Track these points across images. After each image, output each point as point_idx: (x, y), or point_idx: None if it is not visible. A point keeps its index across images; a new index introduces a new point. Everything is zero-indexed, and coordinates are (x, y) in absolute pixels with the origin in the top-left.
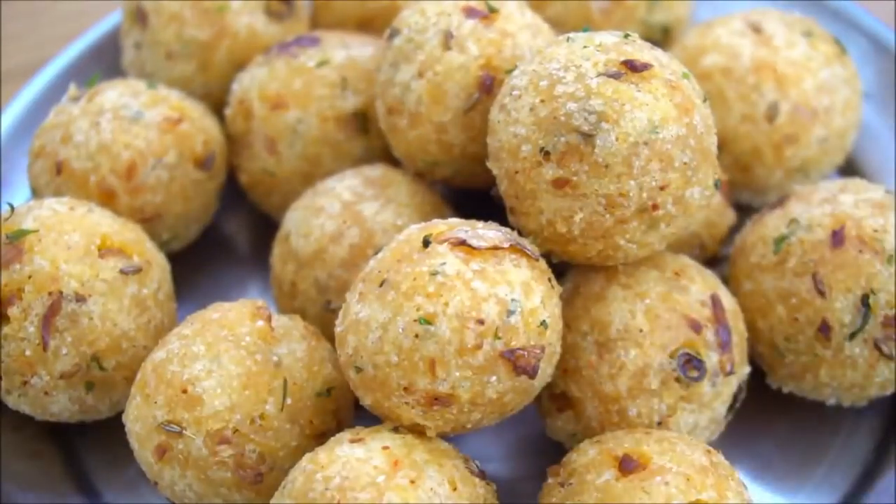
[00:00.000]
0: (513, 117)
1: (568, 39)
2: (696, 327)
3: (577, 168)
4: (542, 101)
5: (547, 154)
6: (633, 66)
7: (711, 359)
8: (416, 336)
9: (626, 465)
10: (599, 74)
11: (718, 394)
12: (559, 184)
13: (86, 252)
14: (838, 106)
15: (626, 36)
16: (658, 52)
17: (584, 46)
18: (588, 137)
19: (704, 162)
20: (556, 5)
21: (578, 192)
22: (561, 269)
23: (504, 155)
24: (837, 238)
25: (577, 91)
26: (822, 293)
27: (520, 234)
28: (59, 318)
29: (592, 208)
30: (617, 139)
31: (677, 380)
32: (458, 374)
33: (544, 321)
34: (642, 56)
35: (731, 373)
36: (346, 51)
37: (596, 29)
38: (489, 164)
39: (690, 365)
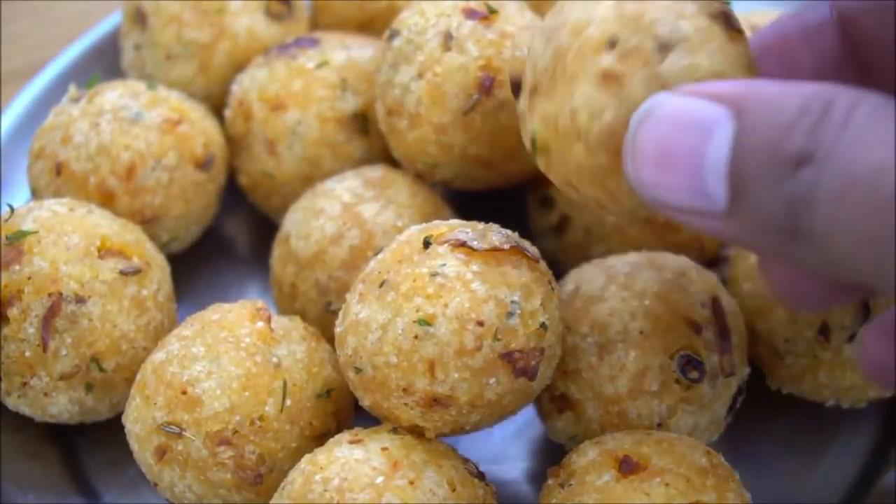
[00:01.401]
0: (589, 4)
1: None
2: (696, 329)
3: (635, 71)
4: (633, 1)
5: (613, 45)
6: (728, 21)
7: (711, 360)
8: (416, 337)
9: (626, 467)
10: (699, 7)
11: (718, 395)
12: (608, 77)
13: (85, 253)
14: None
15: None
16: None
17: None
18: (663, 48)
19: None
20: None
21: (624, 94)
22: (561, 270)
23: (564, 31)
24: None
25: (674, 7)
26: None
27: (528, 125)
28: (58, 320)
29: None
30: (686, 66)
31: (677, 381)
32: (457, 375)
33: (544, 323)
34: (736, 19)
35: (730, 374)
36: (346, 52)
37: None
38: (529, 44)
39: (690, 366)
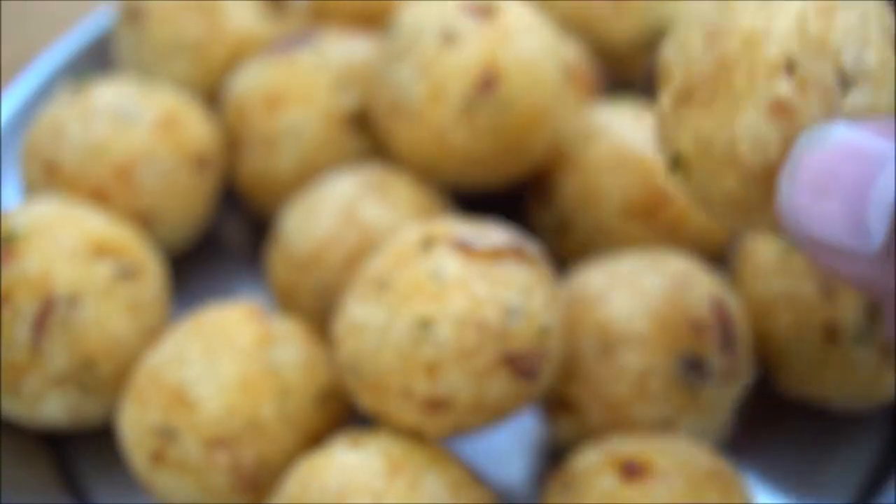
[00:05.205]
0: (771, 8)
1: None
2: (700, 330)
3: (812, 103)
4: (819, 14)
5: (792, 69)
6: None
7: (715, 362)
8: (415, 338)
9: (629, 470)
10: (882, 29)
11: (723, 397)
12: (781, 108)
13: (79, 254)
14: None
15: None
16: None
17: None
18: (845, 83)
19: None
20: (557, 5)
21: (793, 129)
22: (562, 271)
23: (734, 38)
24: None
25: (859, 31)
26: (829, 296)
27: (672, 137)
28: (51, 321)
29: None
30: (865, 105)
31: (681, 383)
32: (457, 377)
33: (545, 324)
34: None
35: (735, 376)
36: (345, 50)
37: (596, 28)
38: (673, 36)
39: (694, 368)
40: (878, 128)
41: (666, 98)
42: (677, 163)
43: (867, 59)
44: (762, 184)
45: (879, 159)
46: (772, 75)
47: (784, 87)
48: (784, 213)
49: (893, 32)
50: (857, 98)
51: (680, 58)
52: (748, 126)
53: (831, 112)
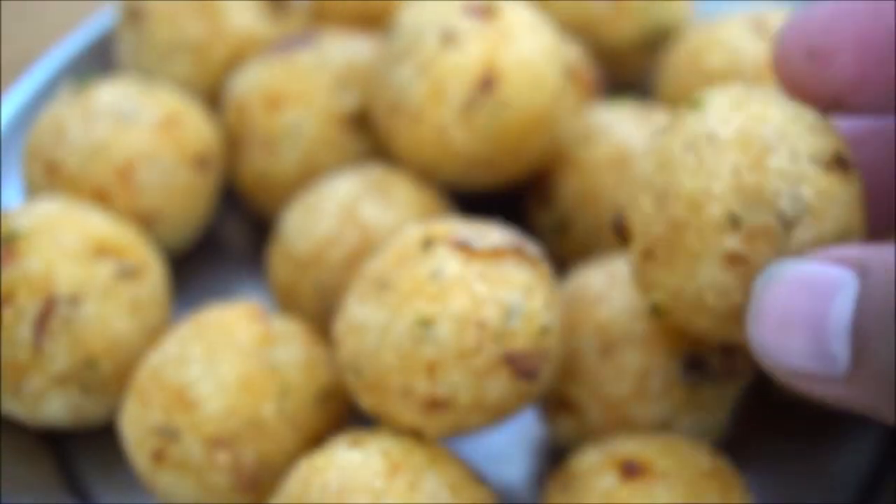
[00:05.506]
0: (707, 168)
1: (777, 101)
2: None
3: (761, 251)
4: (751, 167)
5: (737, 225)
6: (842, 162)
7: (715, 361)
8: (416, 338)
9: (629, 470)
10: (813, 160)
11: (722, 396)
12: (734, 259)
13: (80, 254)
14: None
15: (826, 120)
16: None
17: (796, 120)
18: (788, 225)
19: None
20: (557, 5)
21: (750, 274)
22: (562, 271)
23: (679, 202)
24: None
25: (791, 171)
26: None
27: (646, 288)
28: (52, 321)
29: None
30: (812, 238)
31: (680, 382)
32: (457, 377)
33: (545, 324)
34: (846, 151)
35: (734, 375)
36: (345, 50)
37: (596, 29)
38: (628, 194)
39: (693, 367)
40: (825, 258)
41: (633, 255)
42: (656, 311)
43: (804, 195)
44: (734, 322)
45: (830, 288)
46: (719, 233)
47: (732, 242)
48: (755, 349)
49: (825, 146)
50: (801, 234)
51: (636, 218)
52: (708, 279)
53: (781, 253)
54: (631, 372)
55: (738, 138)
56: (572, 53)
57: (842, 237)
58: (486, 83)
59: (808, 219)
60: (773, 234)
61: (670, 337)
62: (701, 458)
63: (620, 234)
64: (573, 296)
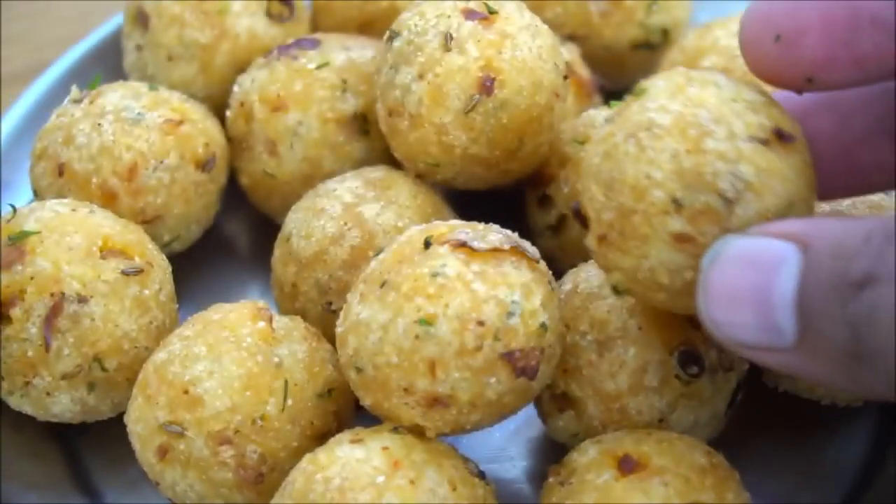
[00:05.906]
0: (648, 156)
1: (715, 84)
2: (695, 324)
3: (707, 230)
4: (689, 151)
5: (679, 207)
6: (781, 135)
7: (711, 355)
8: (417, 337)
9: (626, 466)
10: (751, 138)
11: (718, 390)
12: (681, 239)
13: (87, 253)
14: None
15: (768, 96)
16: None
17: (734, 100)
18: (729, 203)
19: None
20: (556, 6)
21: (699, 251)
22: (560, 269)
23: (625, 189)
24: None
25: (728, 152)
26: None
27: (605, 269)
28: (60, 319)
29: None
30: (755, 214)
31: (677, 377)
32: (457, 375)
33: (544, 323)
34: (788, 125)
35: (730, 369)
36: (347, 53)
37: (595, 31)
38: (581, 183)
39: (690, 361)
40: (768, 232)
41: (590, 240)
42: (617, 290)
43: (743, 173)
44: (691, 297)
45: (773, 263)
46: (664, 216)
47: (677, 224)
48: (705, 325)
49: (763, 121)
50: (743, 211)
51: (590, 205)
52: (659, 259)
53: (726, 230)
54: (628, 367)
55: (675, 124)
56: (571, 55)
57: (786, 210)
58: (486, 85)
59: (750, 195)
60: (715, 212)
61: (666, 332)
62: (697, 454)
63: (581, 221)
64: (570, 293)
